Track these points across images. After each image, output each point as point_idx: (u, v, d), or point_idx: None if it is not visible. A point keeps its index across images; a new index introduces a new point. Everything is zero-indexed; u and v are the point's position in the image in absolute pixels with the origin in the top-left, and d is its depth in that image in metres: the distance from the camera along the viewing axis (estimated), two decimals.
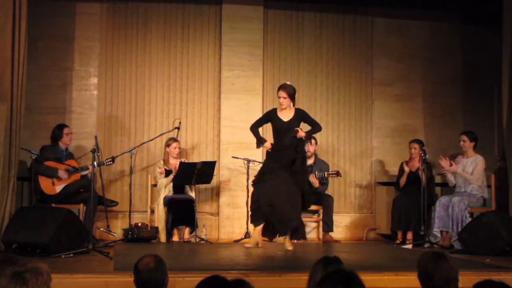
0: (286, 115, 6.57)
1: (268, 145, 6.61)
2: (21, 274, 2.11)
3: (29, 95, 7.11)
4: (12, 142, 6.36)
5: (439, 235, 7.27)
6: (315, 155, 8.00)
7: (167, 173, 7.53)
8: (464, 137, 7.55)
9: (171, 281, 3.47)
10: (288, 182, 6.43)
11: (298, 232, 6.54)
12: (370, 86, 8.77)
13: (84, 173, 7.24)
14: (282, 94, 6.52)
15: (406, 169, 7.77)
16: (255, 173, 7.98)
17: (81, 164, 7.44)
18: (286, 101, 6.50)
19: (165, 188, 7.51)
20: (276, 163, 6.49)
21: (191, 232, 7.46)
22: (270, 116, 6.70)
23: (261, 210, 6.46)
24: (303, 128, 6.65)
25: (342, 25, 8.76)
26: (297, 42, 8.61)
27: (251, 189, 7.80)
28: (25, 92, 6.65)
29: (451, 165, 7.40)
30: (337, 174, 7.88)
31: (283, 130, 6.52)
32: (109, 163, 7.37)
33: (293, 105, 6.61)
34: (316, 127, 6.71)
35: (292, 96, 6.54)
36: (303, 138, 6.57)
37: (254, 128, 6.73)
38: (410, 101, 8.82)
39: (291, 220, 6.43)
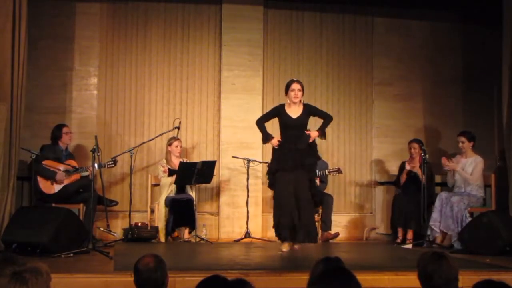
0: (294, 112, 6.30)
1: (275, 141, 6.30)
2: (21, 273, 2.12)
3: (29, 95, 7.10)
4: (12, 142, 6.36)
5: (437, 229, 7.26)
6: None
7: (171, 172, 7.52)
8: (463, 138, 7.54)
9: (171, 281, 3.47)
10: (301, 184, 6.17)
11: (311, 235, 6.24)
12: (370, 86, 8.77)
13: (84, 174, 7.24)
14: (297, 86, 6.26)
15: (407, 167, 7.76)
16: (255, 173, 8.03)
17: (82, 164, 7.44)
18: (300, 94, 6.25)
19: (168, 188, 7.51)
20: (285, 162, 6.22)
21: (190, 232, 7.47)
22: (278, 112, 6.40)
23: (284, 227, 6.15)
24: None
25: (342, 25, 8.75)
26: (297, 42, 8.61)
27: (251, 189, 7.85)
28: (25, 92, 6.65)
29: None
30: (338, 171, 7.91)
31: (291, 127, 6.28)
32: (110, 165, 7.36)
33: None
34: (327, 119, 6.47)
35: (303, 89, 6.33)
36: (319, 137, 6.34)
37: (260, 123, 6.44)
38: (410, 101, 8.82)
39: (308, 226, 6.20)
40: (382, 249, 7.54)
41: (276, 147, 6.35)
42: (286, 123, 6.31)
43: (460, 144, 7.55)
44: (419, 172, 7.61)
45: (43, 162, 7.08)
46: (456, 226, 7.11)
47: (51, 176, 7.09)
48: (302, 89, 6.31)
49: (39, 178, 7.07)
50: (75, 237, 6.05)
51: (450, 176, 7.63)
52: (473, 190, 7.40)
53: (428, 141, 8.42)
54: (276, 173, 6.28)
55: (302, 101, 6.37)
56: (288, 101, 6.34)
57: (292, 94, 6.29)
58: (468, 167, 7.47)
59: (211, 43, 8.39)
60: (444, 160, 7.47)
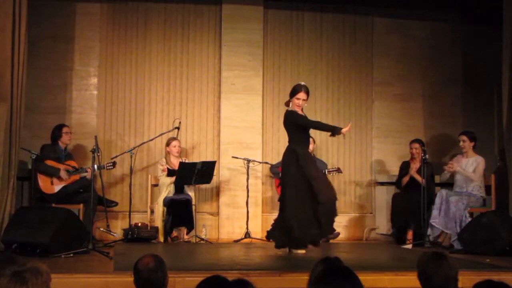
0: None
1: (348, 128, 6.14)
2: (21, 274, 2.11)
3: (29, 95, 7.10)
4: (12, 142, 6.36)
5: (437, 226, 7.24)
6: (313, 154, 7.99)
7: (171, 172, 7.51)
8: (464, 137, 7.55)
9: (171, 281, 3.48)
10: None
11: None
12: (370, 86, 8.77)
13: (83, 175, 7.24)
14: (304, 96, 6.16)
15: (412, 170, 7.74)
16: (255, 173, 8.03)
17: (81, 165, 7.44)
18: (305, 103, 6.22)
19: (167, 187, 7.50)
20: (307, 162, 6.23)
21: (188, 232, 7.46)
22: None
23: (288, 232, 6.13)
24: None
25: (342, 25, 8.75)
26: (297, 42, 8.61)
27: (251, 189, 7.85)
28: (25, 92, 6.65)
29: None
30: (338, 170, 7.94)
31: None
32: (110, 167, 7.38)
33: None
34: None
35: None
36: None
37: (315, 121, 6.45)
38: (410, 101, 8.82)
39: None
40: (382, 249, 7.54)
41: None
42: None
43: (461, 143, 7.55)
44: (417, 177, 7.61)
45: (45, 162, 7.09)
46: (455, 226, 7.11)
47: (54, 173, 7.09)
48: (307, 98, 6.24)
49: (39, 178, 7.07)
50: (75, 237, 6.04)
51: (444, 173, 7.62)
52: (474, 189, 7.40)
53: (428, 141, 8.42)
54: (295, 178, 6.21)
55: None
56: (291, 105, 6.27)
57: (296, 102, 6.19)
58: (469, 167, 7.47)
59: (211, 43, 8.38)
60: (446, 168, 7.50)
